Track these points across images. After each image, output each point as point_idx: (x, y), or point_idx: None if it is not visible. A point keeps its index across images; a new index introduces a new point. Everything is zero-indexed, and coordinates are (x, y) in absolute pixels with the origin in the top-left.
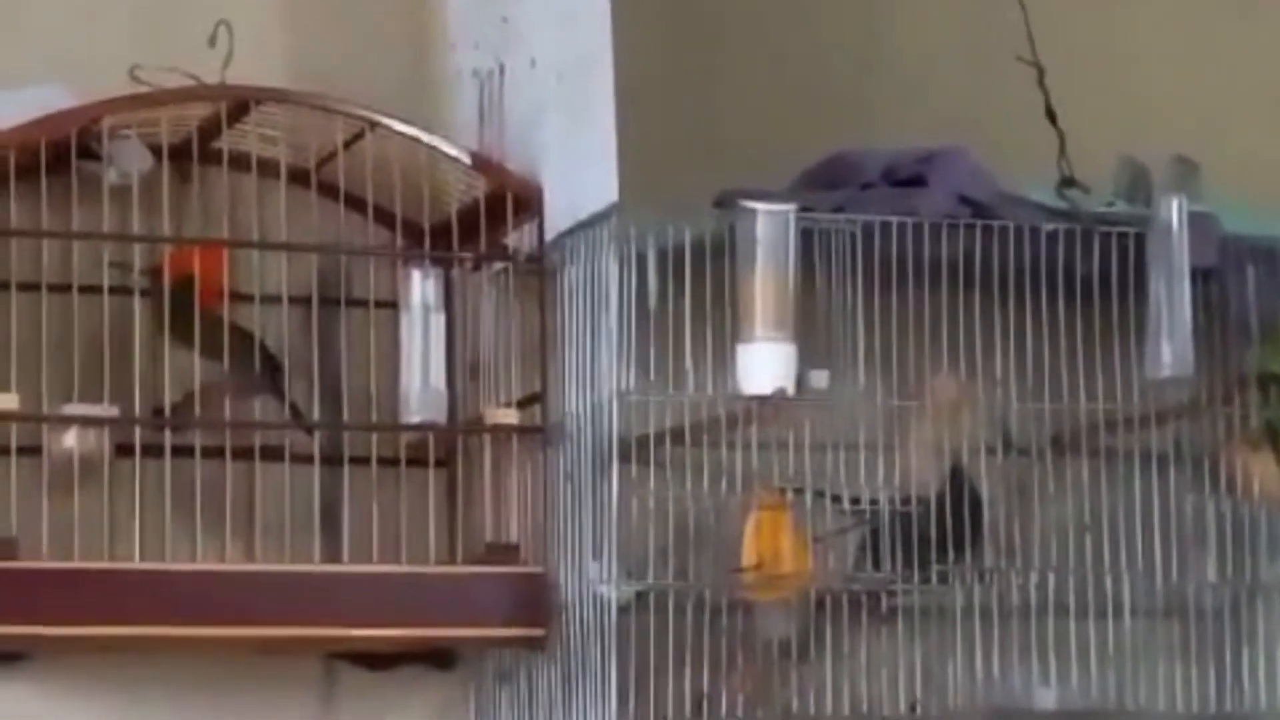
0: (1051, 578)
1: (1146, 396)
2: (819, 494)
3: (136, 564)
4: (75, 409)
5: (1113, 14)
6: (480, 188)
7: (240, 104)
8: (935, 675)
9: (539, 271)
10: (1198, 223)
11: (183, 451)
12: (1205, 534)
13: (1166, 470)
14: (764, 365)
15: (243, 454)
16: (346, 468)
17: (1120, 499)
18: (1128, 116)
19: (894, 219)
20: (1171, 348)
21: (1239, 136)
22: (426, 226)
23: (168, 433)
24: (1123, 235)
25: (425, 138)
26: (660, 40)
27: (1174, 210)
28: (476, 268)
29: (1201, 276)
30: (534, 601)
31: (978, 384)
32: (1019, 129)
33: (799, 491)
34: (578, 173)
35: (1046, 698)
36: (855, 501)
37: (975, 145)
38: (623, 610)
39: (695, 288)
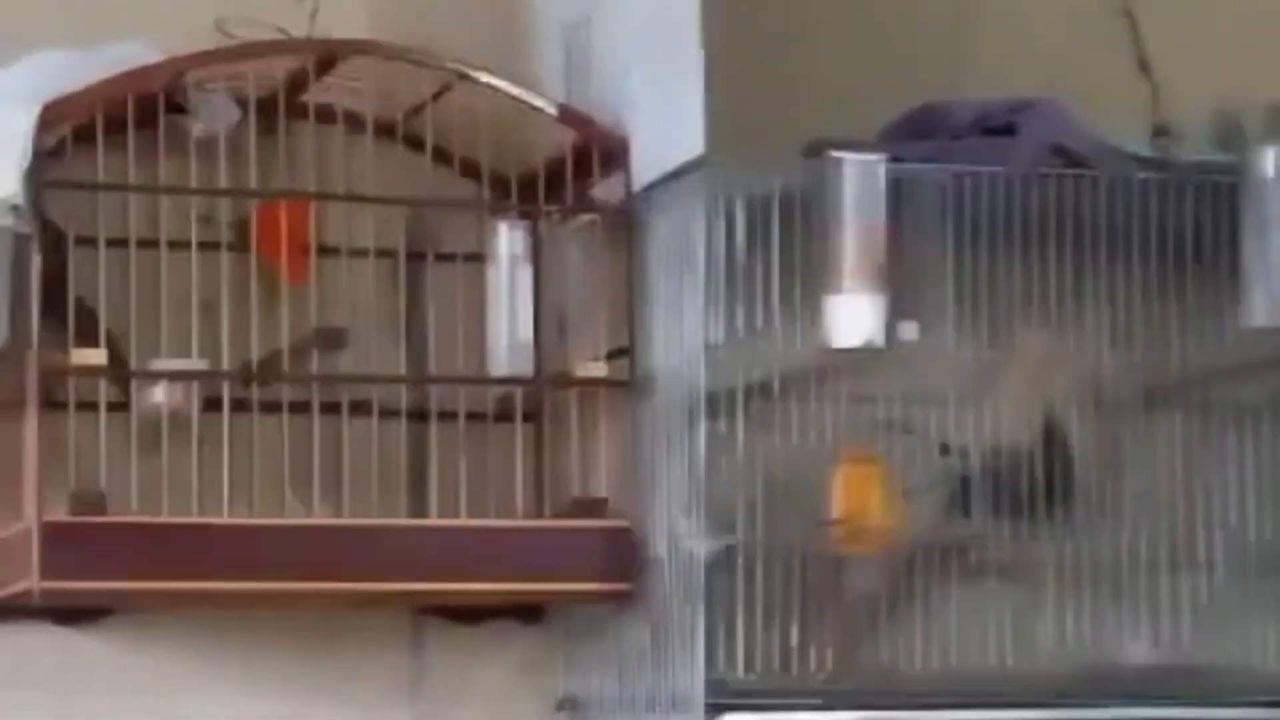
0: (1144, 532)
1: (1240, 349)
2: (910, 432)
3: (225, 519)
4: (163, 364)
5: None
6: (567, 140)
7: (327, 57)
8: (1025, 630)
9: (626, 224)
10: None
11: (271, 407)
12: None
13: (1260, 423)
14: (852, 317)
15: (330, 409)
16: (434, 423)
17: (1213, 453)
18: (1223, 67)
19: (984, 170)
20: (1266, 297)
21: None
22: (514, 179)
23: (255, 387)
24: (1216, 185)
25: (513, 90)
26: None
27: (1269, 159)
28: (563, 220)
29: None
30: (622, 556)
31: (1069, 337)
32: (1112, 80)
33: (895, 428)
34: (664, 124)
35: (1138, 653)
36: (945, 449)
37: (1068, 96)
38: (710, 565)
39: (783, 239)
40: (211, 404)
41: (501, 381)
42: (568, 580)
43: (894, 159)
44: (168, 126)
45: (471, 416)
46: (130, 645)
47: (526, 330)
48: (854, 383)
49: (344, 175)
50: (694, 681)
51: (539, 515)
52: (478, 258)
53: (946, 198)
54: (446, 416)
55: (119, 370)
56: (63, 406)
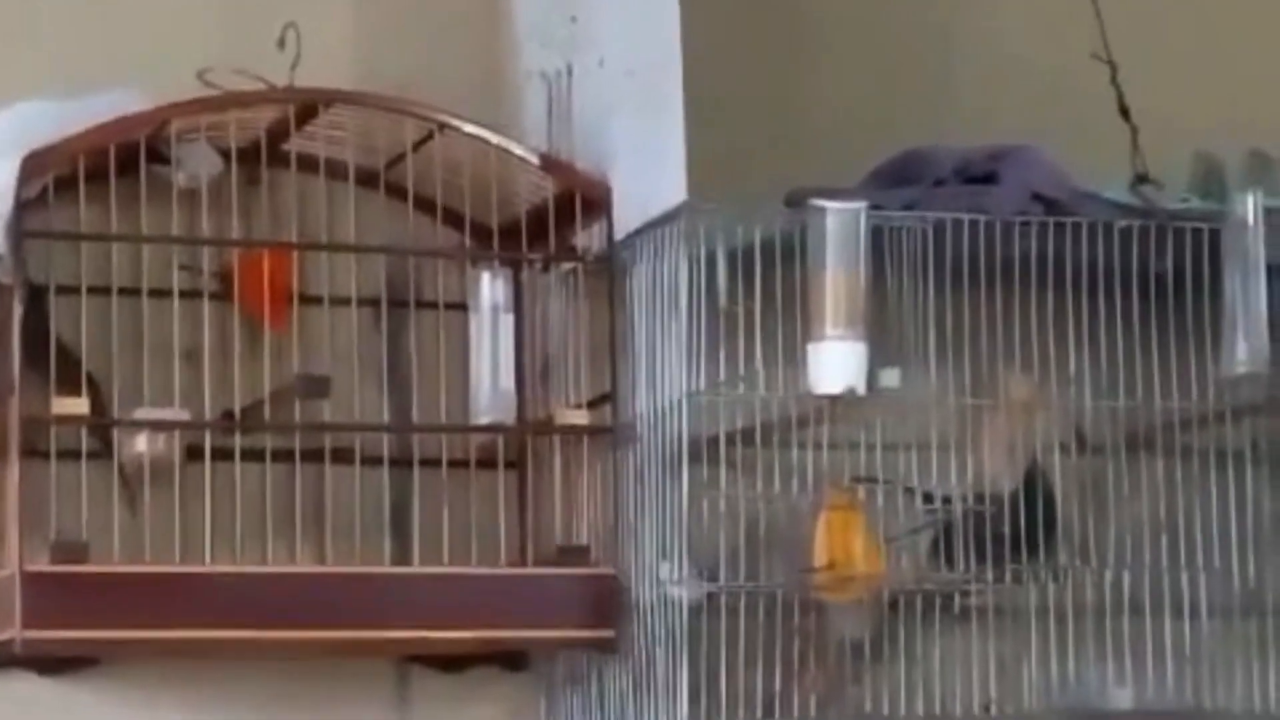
0: (1127, 577)
1: (1222, 394)
2: (889, 482)
3: (208, 567)
4: (145, 413)
5: (1186, 9)
6: (549, 188)
7: (308, 106)
8: (1010, 675)
9: (608, 271)
10: (1274, 218)
11: (253, 455)
12: None
13: (1243, 468)
14: (834, 364)
15: (313, 457)
16: (416, 469)
17: (1196, 497)
18: (1203, 112)
19: (965, 216)
20: (1247, 344)
21: None
22: (495, 227)
23: (237, 436)
24: (1197, 231)
25: (494, 138)
26: (730, 39)
27: (1249, 205)
28: (546, 268)
29: (1279, 273)
30: (604, 603)
31: (1051, 383)
32: (1093, 126)
33: (871, 481)
34: (646, 172)
35: (1122, 698)
36: (928, 498)
37: (1049, 142)
38: (693, 611)
39: (765, 286)
40: (194, 452)
41: (484, 429)
42: (551, 627)
43: (875, 207)
44: (150, 176)
45: (454, 464)
46: (115, 695)
47: (508, 378)
48: (836, 429)
49: (326, 224)
50: None
51: (522, 562)
52: (460, 306)
53: (928, 245)
54: (429, 463)
55: (100, 419)
56: (45, 455)
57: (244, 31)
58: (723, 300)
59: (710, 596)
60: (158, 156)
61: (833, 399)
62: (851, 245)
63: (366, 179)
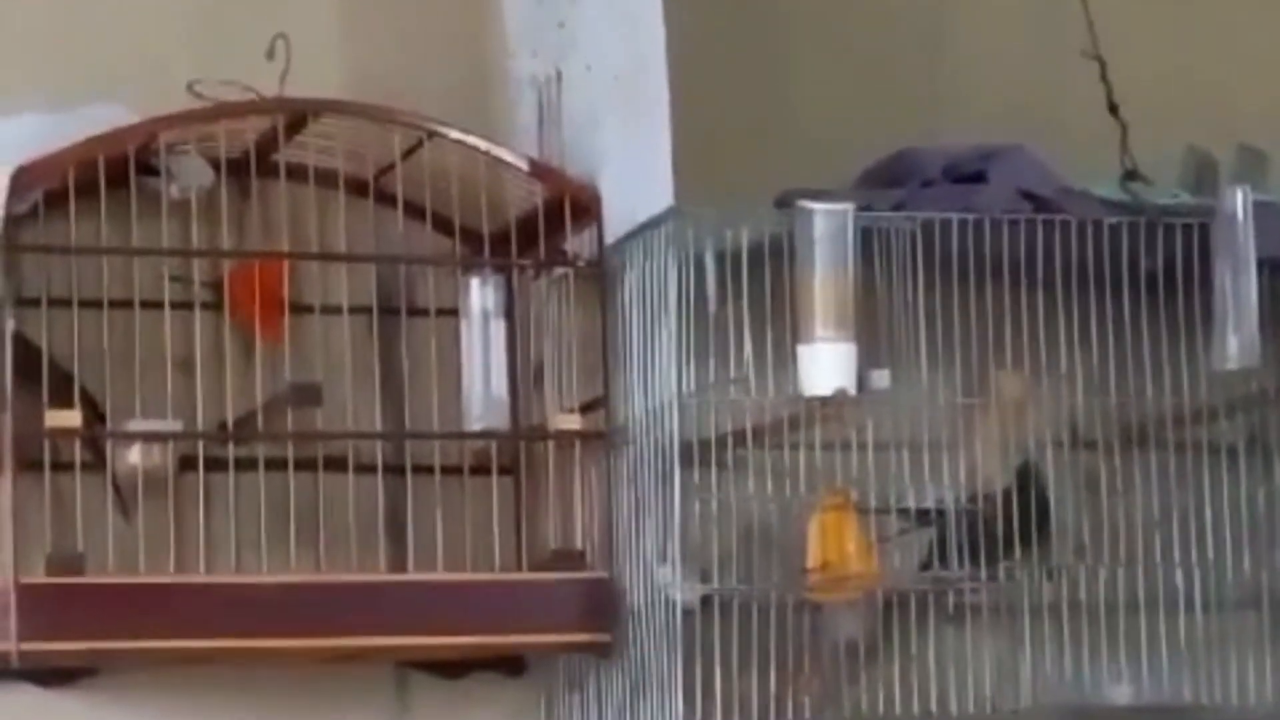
0: (1122, 573)
1: (1215, 389)
2: (882, 511)
3: (204, 577)
4: (138, 425)
5: (1174, 5)
6: (539, 194)
7: (297, 116)
8: (1007, 673)
9: (599, 276)
10: (1264, 212)
11: (247, 465)
12: (1276, 525)
13: (1237, 462)
14: (825, 365)
15: (307, 465)
16: (410, 477)
17: (1190, 492)
18: (1193, 107)
19: (954, 216)
20: (1238, 339)
21: None
22: (486, 234)
23: (231, 446)
24: (1187, 227)
25: (482, 145)
26: (717, 42)
27: (1239, 200)
28: (537, 274)
29: (1269, 267)
30: (600, 607)
31: (1043, 380)
32: (1085, 122)
33: (863, 512)
34: (635, 177)
35: (1121, 693)
36: (923, 514)
37: (1040, 139)
38: (689, 614)
39: (755, 289)
40: (188, 463)
41: (478, 435)
42: (547, 632)
43: (863, 208)
44: (140, 188)
45: (448, 470)
46: (113, 705)
47: (500, 384)
48: (828, 430)
49: (317, 233)
50: None
51: (518, 567)
52: (452, 312)
53: (917, 245)
54: (423, 470)
55: (93, 431)
56: (39, 467)
57: (233, 43)
58: (712, 303)
59: (705, 599)
60: (148, 168)
61: (824, 400)
62: (840, 247)
63: (357, 187)
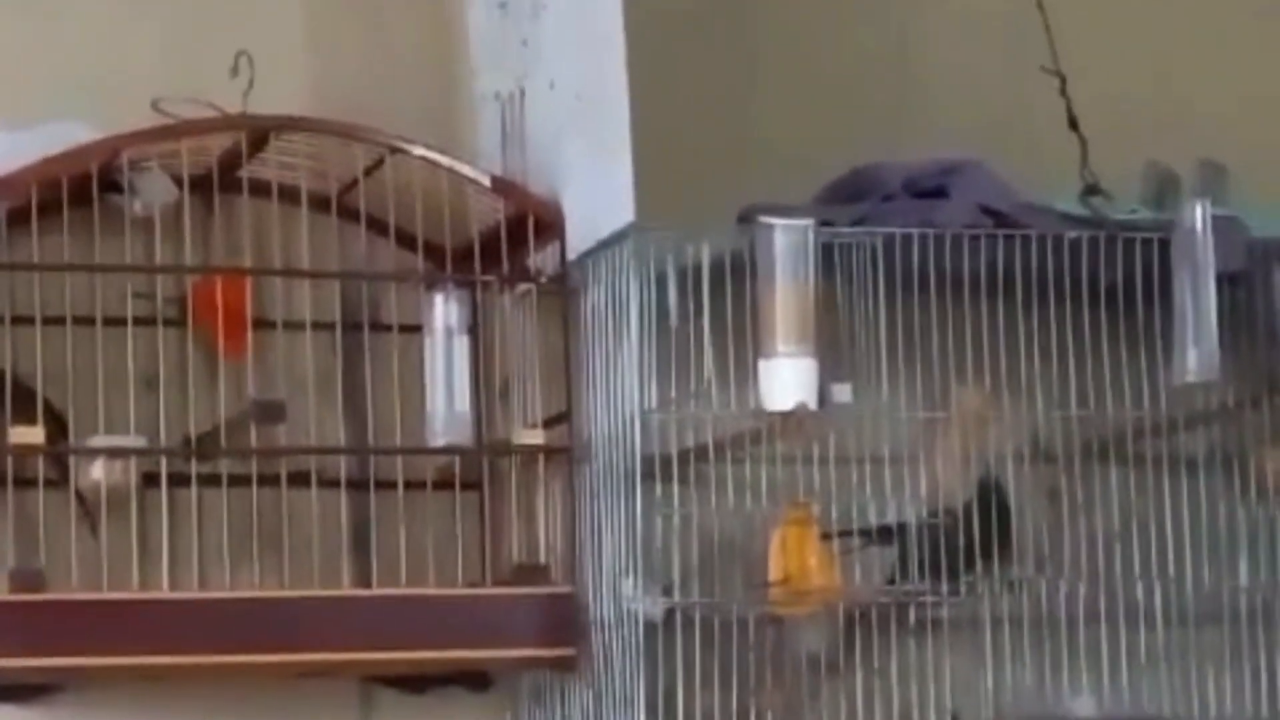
0: (1084, 586)
1: (1175, 402)
2: (845, 534)
3: (166, 593)
4: (102, 441)
5: (1135, 20)
6: (502, 210)
7: (261, 133)
8: (970, 687)
9: (562, 292)
10: (1223, 227)
11: (210, 480)
12: (1237, 538)
13: (1197, 475)
14: (786, 380)
15: (270, 481)
16: (374, 492)
17: (1151, 505)
18: (1155, 123)
19: (915, 231)
20: (1197, 352)
21: (1266, 139)
22: (449, 250)
23: (195, 462)
24: (1147, 241)
25: (445, 161)
26: (679, 59)
27: (1198, 214)
28: (500, 290)
29: (1229, 281)
30: (564, 621)
31: (1003, 394)
32: (1047, 137)
33: (835, 535)
34: (597, 193)
35: (1083, 706)
36: (885, 533)
37: (1002, 155)
38: (652, 628)
39: (716, 304)
40: (152, 479)
41: (442, 451)
42: (510, 647)
43: (824, 223)
44: (104, 205)
45: (411, 485)
46: None
47: (463, 400)
48: (789, 444)
49: (281, 249)
50: None
51: (481, 582)
52: (415, 328)
53: (878, 259)
54: (387, 485)
55: (57, 448)
56: (1, 484)
57: (197, 60)
58: (674, 319)
59: (668, 613)
60: (112, 185)
61: (785, 415)
62: (801, 262)
63: (320, 203)
